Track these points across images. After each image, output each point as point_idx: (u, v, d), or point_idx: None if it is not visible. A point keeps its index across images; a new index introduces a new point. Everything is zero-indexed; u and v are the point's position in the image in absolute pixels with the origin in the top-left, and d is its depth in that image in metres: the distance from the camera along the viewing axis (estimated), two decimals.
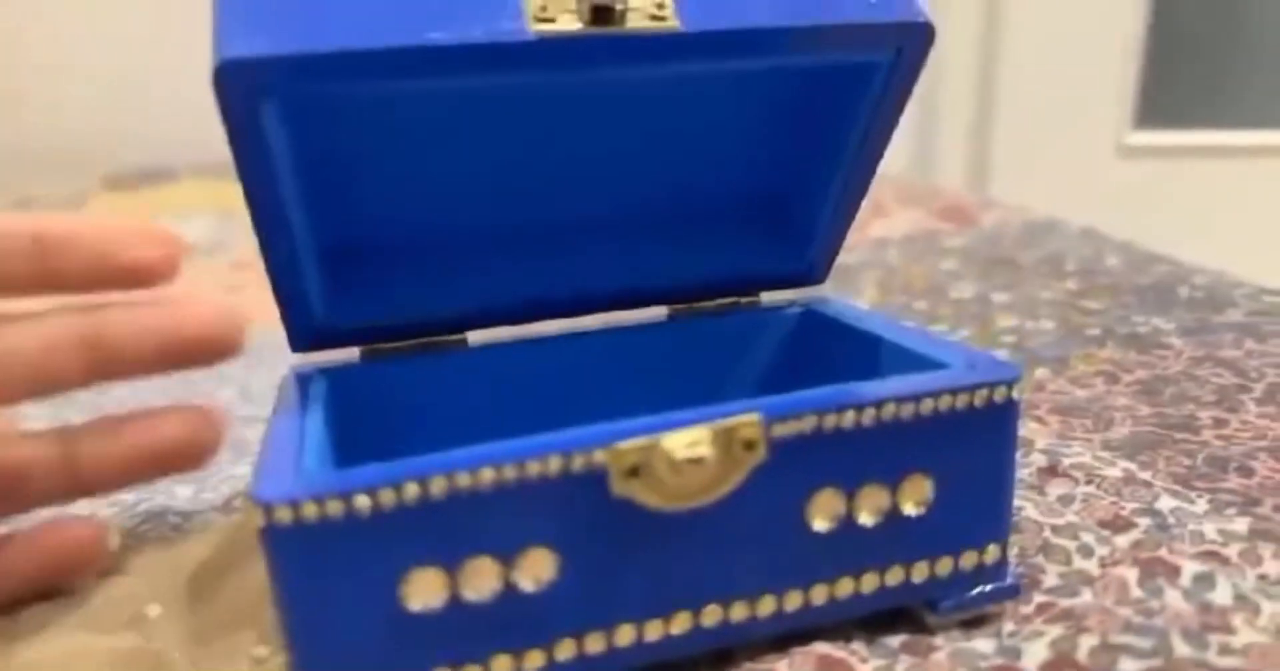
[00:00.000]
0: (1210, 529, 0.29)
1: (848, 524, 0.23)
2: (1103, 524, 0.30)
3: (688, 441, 0.21)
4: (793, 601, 0.24)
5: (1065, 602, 0.26)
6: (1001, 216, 0.78)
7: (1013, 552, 0.27)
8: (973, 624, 0.25)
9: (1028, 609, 0.26)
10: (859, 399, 0.23)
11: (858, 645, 0.25)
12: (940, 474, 0.24)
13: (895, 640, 0.25)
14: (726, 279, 0.32)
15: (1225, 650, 0.24)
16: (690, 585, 0.22)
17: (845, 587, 0.24)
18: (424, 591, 0.20)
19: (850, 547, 0.24)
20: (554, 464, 0.20)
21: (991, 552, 0.25)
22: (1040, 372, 0.44)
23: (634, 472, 0.21)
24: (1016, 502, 0.31)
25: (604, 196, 0.31)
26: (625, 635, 0.22)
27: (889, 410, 0.23)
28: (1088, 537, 0.29)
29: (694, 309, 0.32)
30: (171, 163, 1.17)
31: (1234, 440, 0.36)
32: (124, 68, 1.17)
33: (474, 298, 0.30)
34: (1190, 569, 0.27)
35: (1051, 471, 0.34)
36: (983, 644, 0.25)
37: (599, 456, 0.21)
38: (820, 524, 0.23)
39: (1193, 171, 1.62)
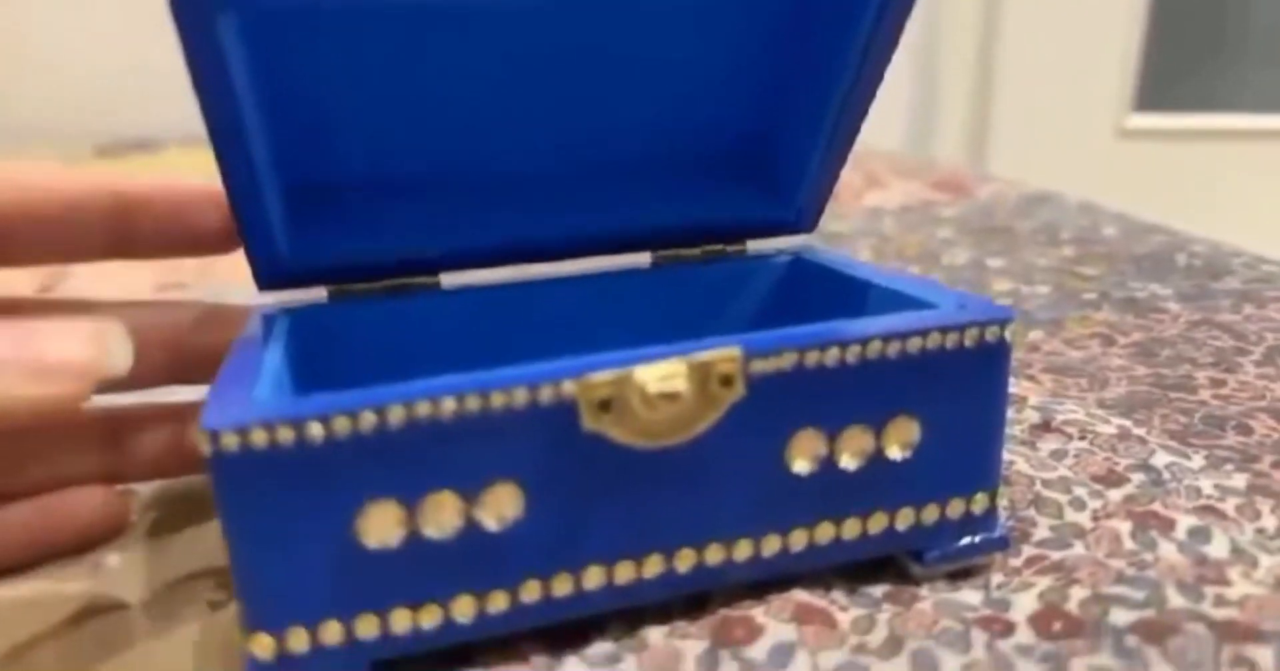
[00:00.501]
0: (1207, 484, 0.29)
1: (829, 467, 0.22)
2: (1096, 478, 0.29)
3: (662, 374, 0.20)
4: (770, 546, 0.23)
5: (1056, 555, 0.25)
6: (998, 189, 0.77)
7: (1002, 503, 0.26)
8: (959, 575, 0.24)
9: (1017, 561, 0.25)
10: (843, 336, 0.22)
11: (838, 594, 0.24)
12: (927, 417, 0.23)
13: (878, 590, 0.24)
14: (711, 225, 0.31)
15: (1221, 601, 0.23)
16: (663, 527, 0.22)
17: (825, 533, 0.23)
18: (381, 527, 0.19)
19: (832, 491, 0.23)
20: (520, 396, 0.19)
21: (980, 501, 0.24)
22: (1034, 334, 0.43)
23: (605, 406, 0.20)
24: (1007, 457, 0.30)
25: (583, 136, 0.30)
26: (594, 577, 0.21)
27: (874, 348, 0.22)
28: (1080, 491, 0.28)
29: (677, 256, 0.31)
30: (160, 135, 1.16)
31: (1232, 400, 0.35)
32: (118, 40, 1.16)
33: (447, 239, 0.28)
34: (1186, 522, 0.26)
35: (1044, 427, 0.33)
36: (969, 595, 0.24)
37: (569, 388, 0.20)
38: (800, 465, 0.22)
39: (1193, 155, 1.61)
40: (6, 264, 0.27)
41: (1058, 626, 0.22)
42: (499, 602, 0.21)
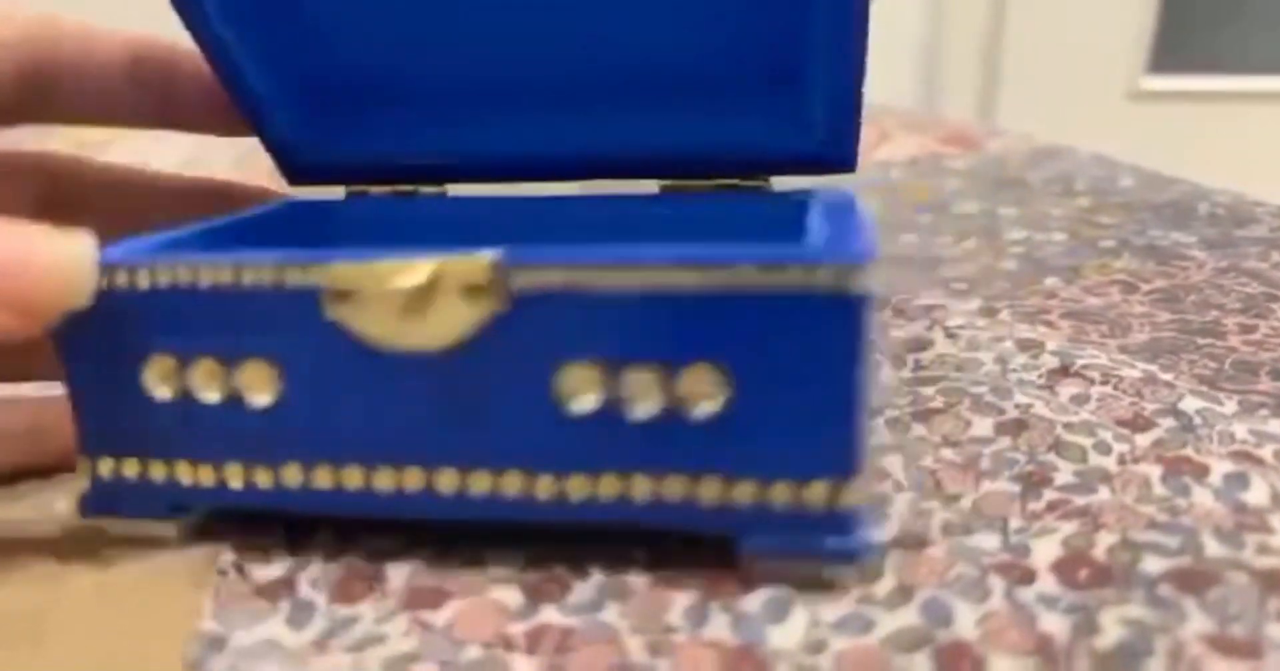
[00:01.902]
0: (1241, 429, 0.26)
1: (614, 411, 0.19)
2: (1121, 423, 0.27)
3: (403, 271, 0.19)
4: (544, 487, 0.20)
5: (1080, 500, 0.23)
6: (1008, 143, 0.75)
7: (878, 505, 0.22)
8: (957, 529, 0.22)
9: (1037, 505, 0.23)
10: (626, 257, 0.19)
11: None
12: (738, 371, 0.19)
13: (884, 533, 0.22)
14: (732, 151, 0.28)
15: (1264, 549, 0.21)
16: (422, 439, 0.20)
17: (610, 487, 0.20)
18: (160, 379, 0.21)
19: (619, 441, 0.20)
20: (267, 275, 0.20)
21: (817, 492, 0.19)
22: (1051, 281, 0.40)
23: (344, 296, 0.19)
24: (1024, 400, 0.28)
25: (597, 49, 0.27)
26: (353, 477, 0.21)
27: (665, 277, 0.18)
28: (1105, 435, 0.26)
29: (686, 186, 0.29)
30: None
31: (1265, 345, 0.33)
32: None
33: (456, 147, 0.28)
34: (1220, 468, 0.24)
35: (1063, 372, 0.30)
36: (985, 540, 0.22)
37: (314, 275, 0.19)
38: (577, 403, 0.19)
39: (1206, 117, 1.58)
40: (61, 119, 0.27)
41: (1084, 574, 0.20)
42: (264, 478, 0.21)
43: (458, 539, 0.22)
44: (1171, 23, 1.63)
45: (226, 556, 0.22)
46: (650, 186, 0.29)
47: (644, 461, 0.20)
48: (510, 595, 0.20)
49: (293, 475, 0.21)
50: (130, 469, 0.22)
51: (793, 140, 0.28)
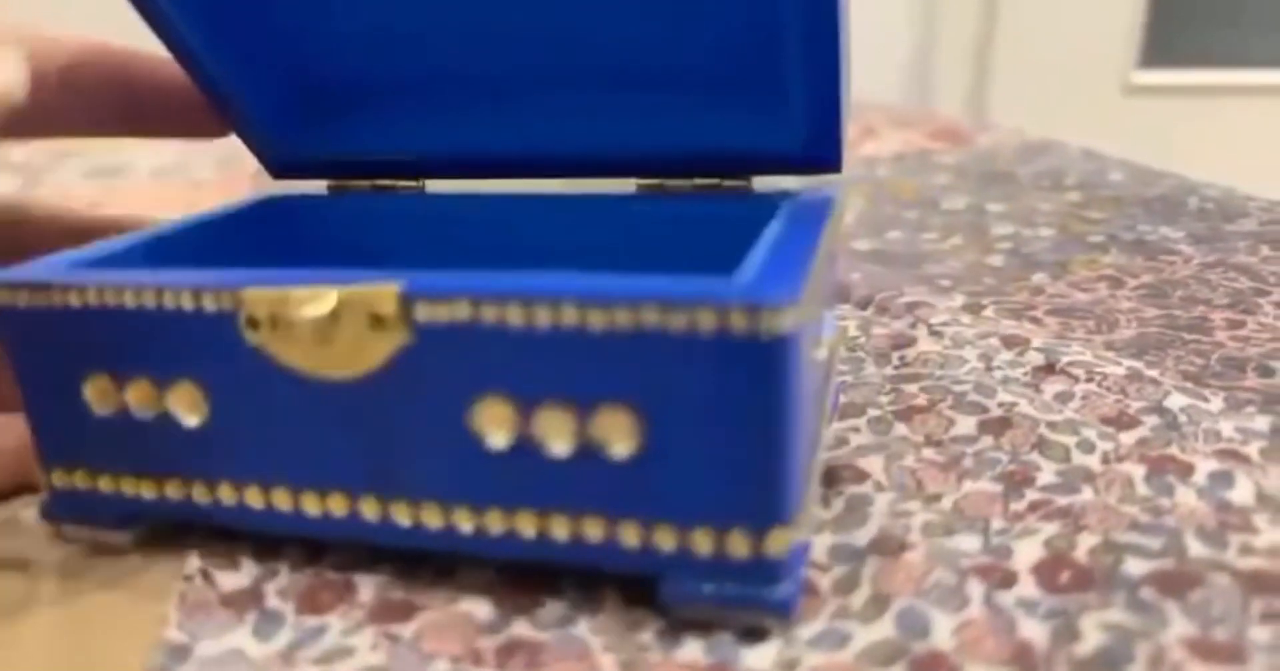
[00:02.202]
0: (1227, 427, 0.26)
1: (531, 448, 0.19)
2: (1105, 420, 0.27)
3: (312, 300, 0.19)
4: (463, 520, 0.20)
5: (1063, 500, 0.23)
6: (998, 138, 0.74)
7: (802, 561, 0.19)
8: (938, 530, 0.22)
9: (1019, 506, 0.23)
10: (526, 291, 0.18)
11: (818, 554, 0.21)
12: (652, 412, 0.18)
13: (862, 537, 0.21)
14: (714, 151, 0.27)
15: (1247, 550, 0.21)
16: (345, 466, 0.20)
17: (527, 524, 0.19)
18: (98, 396, 0.21)
19: (538, 479, 0.19)
20: (187, 300, 0.20)
21: (738, 542, 0.18)
22: (1038, 277, 0.40)
23: (254, 324, 0.19)
24: (1008, 398, 0.28)
25: (576, 48, 0.27)
26: (282, 498, 0.21)
27: (569, 314, 0.17)
28: (1089, 433, 0.26)
29: (664, 186, 0.28)
30: None
31: (1251, 341, 0.32)
32: None
33: (433, 145, 0.28)
34: (1205, 467, 0.24)
35: (1048, 369, 0.30)
36: (966, 541, 0.21)
37: (226, 300, 0.19)
38: (494, 438, 0.19)
39: (1199, 111, 1.57)
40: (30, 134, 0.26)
41: (1065, 577, 0.20)
42: (200, 494, 0.21)
43: (427, 553, 0.22)
44: (1163, 17, 1.62)
45: (193, 564, 0.22)
46: (631, 186, 0.29)
47: (561, 501, 0.19)
48: (481, 608, 0.20)
49: (226, 493, 0.21)
50: (81, 480, 0.22)
51: (775, 140, 0.27)
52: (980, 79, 1.57)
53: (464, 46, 0.27)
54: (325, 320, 0.19)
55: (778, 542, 0.18)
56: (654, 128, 0.27)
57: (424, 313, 0.18)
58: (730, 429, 0.17)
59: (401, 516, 0.20)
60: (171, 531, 0.23)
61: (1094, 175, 0.59)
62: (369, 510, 0.20)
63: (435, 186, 0.29)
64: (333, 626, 0.20)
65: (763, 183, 0.28)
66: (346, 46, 0.28)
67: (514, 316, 0.18)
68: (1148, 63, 1.62)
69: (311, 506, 0.21)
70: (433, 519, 0.20)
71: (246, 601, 0.21)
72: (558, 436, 0.18)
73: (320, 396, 0.20)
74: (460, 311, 0.18)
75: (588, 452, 0.18)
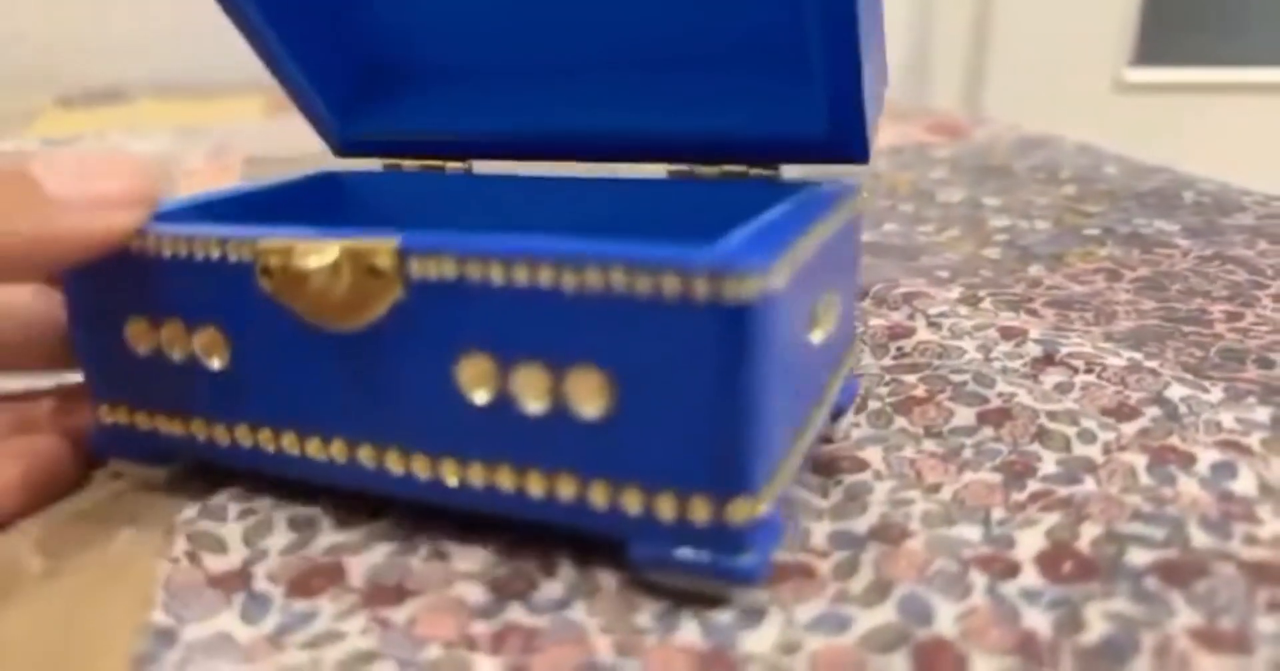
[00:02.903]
0: (1228, 418, 0.26)
1: (509, 404, 0.19)
2: (1106, 411, 0.26)
3: (317, 251, 0.20)
4: (449, 471, 0.20)
5: (1064, 490, 0.22)
6: (994, 132, 0.74)
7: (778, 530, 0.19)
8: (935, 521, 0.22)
9: (1020, 496, 0.22)
10: (507, 251, 0.18)
11: (818, 540, 0.21)
12: (621, 374, 0.18)
13: (862, 524, 0.21)
14: (744, 138, 0.27)
15: (1252, 540, 0.20)
16: (345, 414, 0.21)
17: (507, 479, 0.20)
18: (138, 337, 0.23)
19: (516, 434, 0.19)
20: (213, 249, 0.21)
21: (700, 507, 0.18)
22: (1035, 269, 0.40)
23: (267, 272, 0.20)
24: (1007, 389, 0.28)
25: (615, 30, 0.27)
26: (291, 442, 0.22)
27: (546, 274, 0.18)
28: (1089, 423, 0.25)
29: (694, 172, 0.28)
30: (125, 83, 1.12)
31: (1250, 333, 0.32)
32: None
33: (481, 127, 0.29)
34: (1207, 457, 0.24)
35: (1047, 360, 0.30)
36: (967, 531, 0.21)
37: (245, 250, 0.21)
38: (478, 394, 0.19)
39: (1191, 109, 1.57)
40: None
41: (1068, 567, 0.20)
42: (221, 435, 0.22)
43: (421, 532, 0.22)
44: (1156, 15, 1.63)
45: (180, 545, 0.22)
46: (663, 171, 0.28)
47: (536, 458, 0.19)
48: (474, 592, 0.20)
49: (243, 435, 0.22)
50: (122, 416, 0.24)
51: (799, 126, 0.26)
52: (975, 76, 1.57)
53: (511, 32, 0.28)
54: (329, 271, 0.20)
55: (739, 512, 0.18)
56: (685, 111, 0.27)
57: (417, 268, 0.19)
58: (694, 395, 0.17)
59: (395, 465, 0.21)
60: (201, 471, 0.24)
61: (1089, 169, 0.59)
62: (366, 457, 0.21)
63: (482, 167, 0.30)
64: (323, 610, 0.19)
65: (792, 173, 0.27)
66: (403, 31, 0.30)
67: (495, 274, 0.18)
68: (1140, 60, 1.63)
69: (315, 452, 0.22)
70: (422, 469, 0.20)
71: (234, 583, 0.20)
72: (533, 394, 0.19)
73: (325, 346, 0.21)
74: (448, 268, 0.19)
75: (561, 411, 0.19)
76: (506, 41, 0.29)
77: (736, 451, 0.18)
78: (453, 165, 0.30)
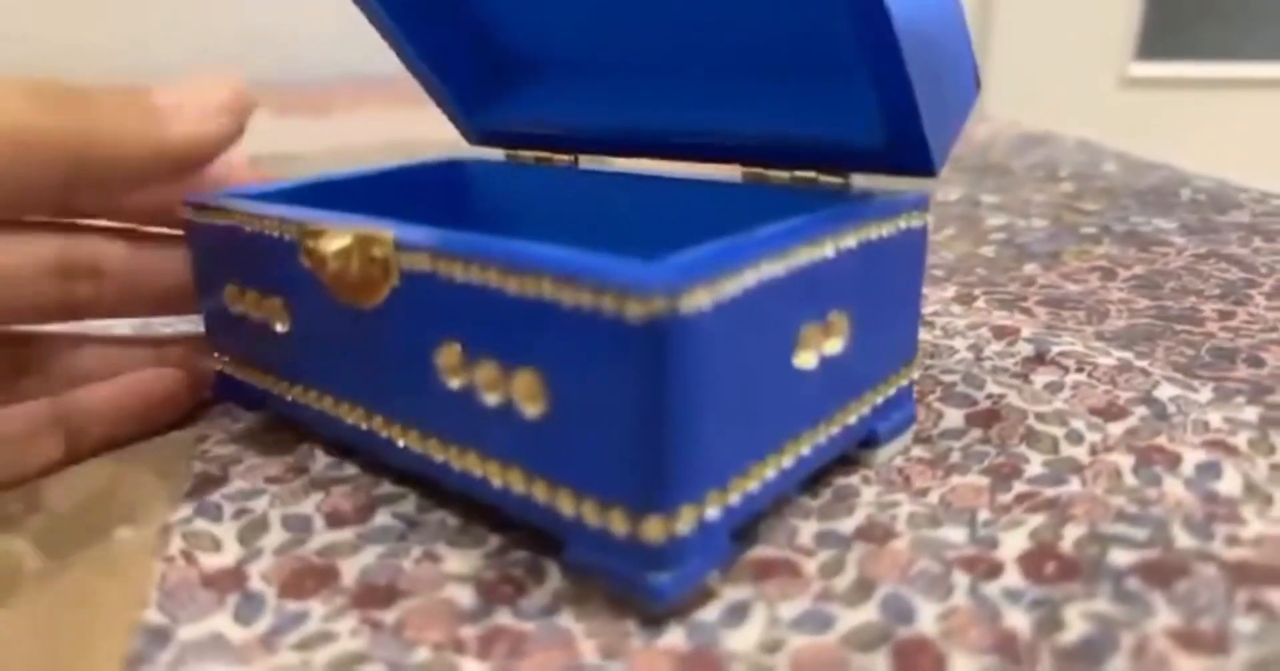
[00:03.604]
0: (1216, 418, 0.26)
1: (473, 393, 0.20)
2: (1094, 411, 0.26)
3: (336, 236, 0.22)
4: (435, 450, 0.22)
5: (1050, 491, 0.23)
6: (994, 129, 0.74)
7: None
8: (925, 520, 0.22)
9: (1006, 497, 0.23)
10: (469, 251, 0.19)
11: (804, 539, 0.21)
12: (555, 381, 0.18)
13: (848, 524, 0.21)
14: (809, 143, 0.26)
15: (1234, 541, 0.21)
16: (362, 387, 0.23)
17: (471, 462, 0.21)
18: (233, 299, 0.26)
19: (477, 422, 0.20)
20: (274, 227, 0.24)
21: (618, 518, 0.18)
22: (1030, 267, 0.40)
23: (308, 252, 0.23)
24: (997, 390, 0.28)
25: (711, 32, 0.28)
26: (329, 404, 0.24)
27: (494, 275, 0.19)
28: (1077, 424, 0.26)
29: (767, 177, 0.28)
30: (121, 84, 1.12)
31: (1242, 332, 0.32)
32: None
33: (584, 123, 0.31)
34: (1193, 457, 0.24)
35: (1038, 360, 0.30)
36: (952, 532, 0.21)
37: (293, 231, 0.23)
38: (452, 381, 0.21)
39: (1196, 103, 1.57)
40: None
41: (1050, 568, 0.20)
42: (283, 389, 0.26)
43: (414, 534, 0.22)
44: (1160, 9, 1.62)
45: (175, 543, 0.22)
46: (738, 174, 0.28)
47: (495, 448, 0.20)
48: (464, 596, 0.20)
49: (298, 392, 0.25)
50: (227, 366, 0.27)
51: (855, 134, 0.25)
52: (979, 71, 1.57)
53: (613, 30, 0.30)
54: (344, 255, 0.21)
55: (654, 530, 0.18)
56: (760, 114, 0.27)
57: (406, 260, 0.20)
58: (616, 408, 0.17)
59: (396, 437, 0.23)
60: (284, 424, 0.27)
61: (1087, 167, 0.59)
62: (378, 426, 0.23)
63: (587, 162, 0.32)
64: (314, 611, 0.20)
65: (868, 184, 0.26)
66: (517, 28, 0.32)
67: (457, 272, 0.19)
68: (1145, 55, 1.62)
69: (346, 415, 0.24)
70: (415, 444, 0.22)
71: (228, 583, 0.21)
72: (490, 388, 0.20)
73: (348, 321, 0.23)
74: (423, 263, 0.20)
75: (510, 407, 0.19)
76: (610, 40, 0.30)
77: (654, 469, 0.17)
78: (560, 158, 0.32)
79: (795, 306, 0.20)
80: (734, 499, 0.19)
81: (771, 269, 0.19)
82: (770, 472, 0.20)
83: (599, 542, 0.19)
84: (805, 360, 0.20)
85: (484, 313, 0.19)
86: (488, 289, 0.19)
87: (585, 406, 0.18)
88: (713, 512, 0.19)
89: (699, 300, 0.17)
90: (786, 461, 0.21)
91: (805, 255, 0.20)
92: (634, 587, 0.18)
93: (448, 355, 0.20)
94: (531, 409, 0.19)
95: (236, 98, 0.25)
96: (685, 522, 0.18)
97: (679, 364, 0.17)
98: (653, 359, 0.17)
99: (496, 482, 0.20)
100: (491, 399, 0.20)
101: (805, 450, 0.21)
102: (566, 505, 0.19)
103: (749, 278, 0.18)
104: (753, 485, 0.20)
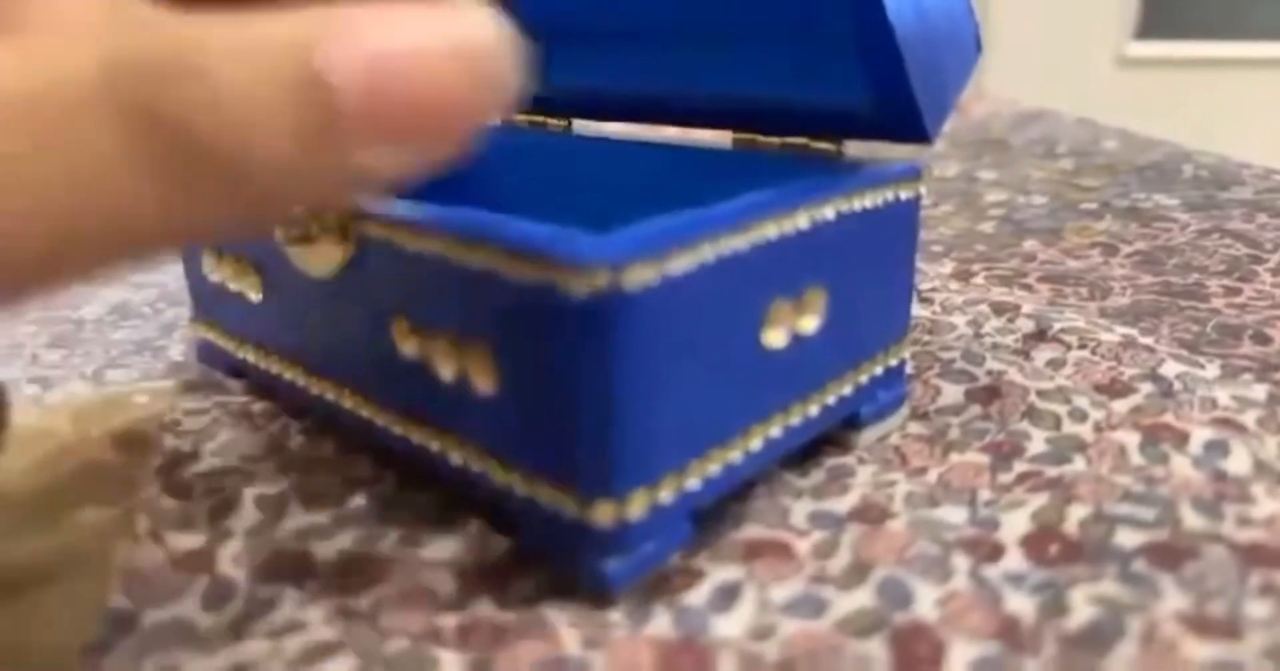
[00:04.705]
0: (1223, 395, 0.25)
1: (427, 366, 0.20)
2: (1098, 388, 0.26)
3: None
4: (391, 422, 0.21)
5: (1053, 470, 0.22)
6: (992, 106, 0.73)
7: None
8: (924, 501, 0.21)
9: (1007, 477, 0.22)
10: (417, 220, 0.18)
11: (798, 519, 0.20)
12: (504, 356, 0.18)
13: (843, 504, 0.21)
14: (799, 109, 0.25)
15: (1244, 522, 0.20)
16: (322, 356, 0.23)
17: (427, 436, 0.20)
18: (211, 266, 0.26)
19: (433, 397, 0.20)
20: None
21: (566, 502, 0.18)
22: (1029, 243, 0.39)
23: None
24: (997, 366, 0.27)
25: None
26: (299, 373, 0.24)
27: (437, 245, 0.18)
28: (1081, 401, 0.25)
29: (757, 142, 0.27)
30: None
31: (1248, 308, 0.32)
32: None
33: (578, 87, 0.30)
34: (1201, 435, 0.23)
35: (1040, 336, 0.29)
36: (952, 513, 0.20)
37: None
38: (408, 352, 0.20)
39: (1194, 83, 1.56)
40: None
41: (1054, 549, 0.19)
42: (255, 356, 0.26)
43: (392, 517, 0.21)
44: None
45: (142, 523, 0.21)
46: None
47: (450, 424, 0.20)
48: (444, 583, 0.19)
49: (264, 358, 0.25)
50: (205, 331, 0.28)
51: (844, 99, 0.24)
52: None
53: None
54: (307, 219, 0.21)
55: (603, 514, 0.17)
56: (750, 79, 0.26)
57: (363, 227, 0.20)
58: (562, 387, 0.17)
59: (356, 406, 0.22)
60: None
61: (1087, 143, 0.58)
62: (344, 399, 0.23)
63: (580, 126, 0.32)
64: (287, 597, 0.19)
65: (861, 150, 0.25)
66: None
67: (406, 241, 0.19)
68: (1143, 34, 1.61)
69: (312, 386, 0.24)
70: (378, 417, 0.22)
71: (197, 565, 0.20)
72: (444, 362, 0.19)
73: (310, 289, 0.22)
74: (377, 232, 0.19)
75: (465, 384, 0.19)
76: (603, 5, 0.29)
77: (604, 451, 0.17)
78: (554, 122, 0.32)
79: (762, 282, 0.19)
80: (692, 483, 0.18)
81: (732, 243, 0.18)
82: (735, 455, 0.19)
83: (549, 523, 0.18)
84: (775, 339, 0.19)
85: (437, 284, 0.18)
86: (440, 259, 0.18)
87: (534, 384, 0.17)
88: (667, 496, 0.18)
89: (645, 275, 0.16)
90: (754, 444, 0.20)
91: (773, 228, 0.19)
92: (582, 573, 0.17)
93: (400, 328, 0.20)
94: (484, 385, 0.18)
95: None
96: (637, 507, 0.17)
97: (624, 341, 0.16)
98: (597, 336, 0.16)
99: (456, 460, 0.20)
100: (446, 373, 0.19)
101: (776, 432, 0.20)
102: (520, 486, 0.18)
103: (706, 252, 0.17)
104: (714, 468, 0.19)
